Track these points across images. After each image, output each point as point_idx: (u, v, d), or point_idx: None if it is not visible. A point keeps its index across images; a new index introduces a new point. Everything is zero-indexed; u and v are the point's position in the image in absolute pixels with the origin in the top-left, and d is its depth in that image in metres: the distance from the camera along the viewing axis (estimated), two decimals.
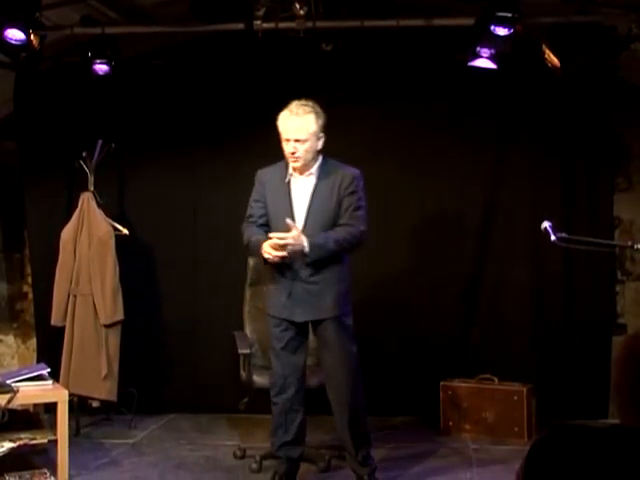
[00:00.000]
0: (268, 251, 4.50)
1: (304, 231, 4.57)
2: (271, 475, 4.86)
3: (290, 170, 4.71)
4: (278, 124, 4.66)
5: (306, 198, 4.68)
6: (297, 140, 4.59)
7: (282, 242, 4.46)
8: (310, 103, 4.66)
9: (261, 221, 4.77)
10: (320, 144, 4.67)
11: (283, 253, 4.48)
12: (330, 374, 4.80)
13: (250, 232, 4.75)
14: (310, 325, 4.79)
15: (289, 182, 4.72)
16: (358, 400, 4.81)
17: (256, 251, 4.66)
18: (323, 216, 4.65)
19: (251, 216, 4.82)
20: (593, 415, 5.85)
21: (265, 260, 4.64)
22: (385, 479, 5.04)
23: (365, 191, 4.77)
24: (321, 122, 4.64)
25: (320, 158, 4.72)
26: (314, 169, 4.70)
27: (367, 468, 4.81)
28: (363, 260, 6.32)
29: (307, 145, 4.61)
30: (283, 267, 4.65)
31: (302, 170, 4.69)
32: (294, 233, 4.47)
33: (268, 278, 4.86)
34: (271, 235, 4.52)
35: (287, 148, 4.62)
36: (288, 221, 4.51)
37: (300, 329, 4.75)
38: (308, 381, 4.91)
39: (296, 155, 4.60)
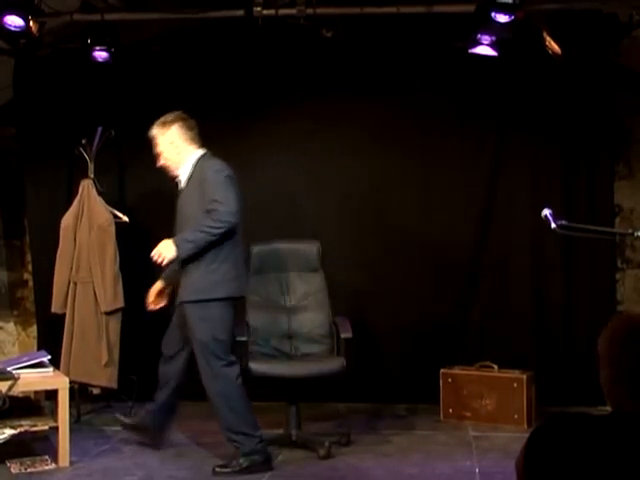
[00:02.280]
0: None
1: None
2: None
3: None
4: None
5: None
6: (157, 153, 5.02)
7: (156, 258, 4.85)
8: (164, 116, 5.03)
9: None
10: (177, 152, 4.99)
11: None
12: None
13: None
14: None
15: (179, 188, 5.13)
16: (215, 390, 4.92)
17: None
18: (189, 216, 4.93)
19: None
20: (592, 402, 5.88)
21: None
22: (385, 466, 5.07)
23: (227, 177, 4.87)
24: (170, 132, 4.97)
25: (189, 161, 4.99)
26: (188, 171, 5.01)
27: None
28: (363, 246, 6.37)
29: (165, 155, 5.01)
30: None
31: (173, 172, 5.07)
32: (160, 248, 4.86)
33: None
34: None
35: None
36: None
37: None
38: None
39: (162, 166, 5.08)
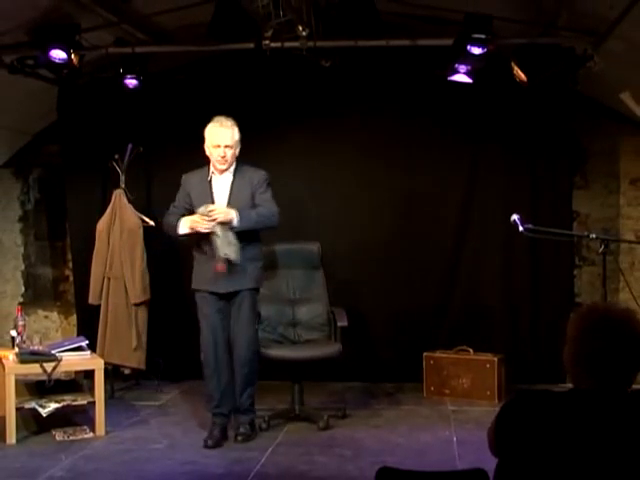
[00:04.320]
0: (196, 223, 4.77)
1: None
2: (209, 429, 4.98)
3: (212, 170, 4.97)
4: (206, 134, 4.94)
5: (226, 191, 4.94)
6: (227, 146, 4.86)
7: (211, 214, 4.71)
8: (230, 118, 4.95)
9: (183, 212, 5.01)
10: (238, 151, 4.96)
11: (211, 224, 4.71)
12: (233, 341, 4.97)
13: (172, 216, 5.01)
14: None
15: (210, 180, 4.98)
16: (254, 364, 4.99)
17: (173, 226, 4.93)
18: (240, 205, 4.86)
19: (175, 207, 5.08)
20: (554, 380, 5.90)
21: (181, 236, 4.91)
22: (376, 436, 5.10)
23: (272, 187, 5.05)
24: (239, 134, 4.93)
25: (235, 162, 4.98)
26: (231, 170, 4.97)
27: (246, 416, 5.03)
28: (357, 245, 6.38)
29: (232, 150, 4.89)
30: (207, 247, 4.87)
31: (223, 170, 4.94)
32: (219, 206, 4.80)
33: (195, 259, 5.06)
34: (199, 210, 4.78)
35: (218, 152, 4.88)
36: (212, 205, 4.81)
37: (222, 299, 4.96)
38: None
39: (225, 158, 4.88)
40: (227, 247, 4.72)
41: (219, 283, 4.90)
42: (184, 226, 4.88)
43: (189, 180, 5.09)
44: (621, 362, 2.07)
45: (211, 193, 4.96)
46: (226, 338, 4.99)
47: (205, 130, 4.95)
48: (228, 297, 4.96)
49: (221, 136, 4.88)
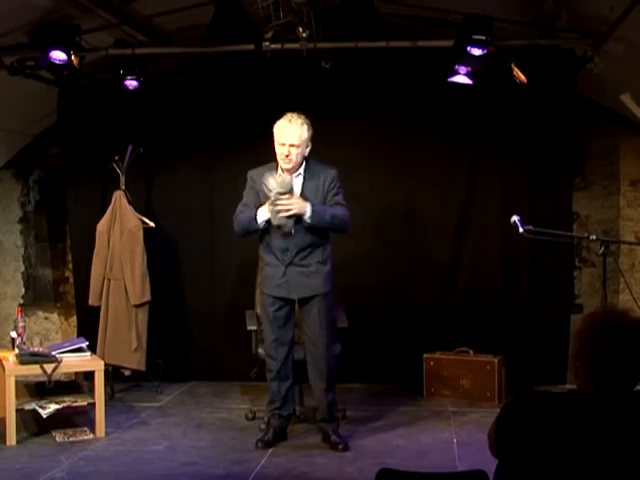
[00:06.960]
0: (276, 205, 4.56)
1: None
2: (264, 431, 4.96)
3: (280, 171, 4.75)
4: (274, 130, 4.75)
5: (297, 193, 4.72)
6: (292, 145, 4.67)
7: (285, 203, 4.55)
8: (302, 115, 4.75)
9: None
10: (307, 151, 4.77)
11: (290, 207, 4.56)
12: (312, 345, 4.86)
13: (246, 213, 4.79)
14: (297, 301, 4.84)
15: None
16: (332, 368, 4.90)
17: (250, 218, 4.71)
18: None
19: (246, 205, 4.83)
20: (554, 382, 5.89)
21: (258, 228, 4.70)
22: (376, 437, 5.10)
23: (343, 186, 4.88)
24: (310, 132, 4.74)
25: (304, 162, 4.79)
26: (301, 170, 4.78)
27: (334, 424, 4.95)
28: (357, 246, 6.37)
29: (299, 150, 4.69)
30: (276, 252, 4.75)
31: (291, 171, 4.74)
32: (296, 197, 4.61)
33: (264, 262, 4.94)
34: (270, 184, 4.58)
35: (282, 151, 4.68)
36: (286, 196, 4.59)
37: (292, 305, 4.84)
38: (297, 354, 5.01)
39: (289, 157, 4.68)
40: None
41: (291, 289, 4.76)
42: (263, 214, 4.67)
43: (257, 178, 4.80)
44: (622, 366, 2.07)
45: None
46: (290, 343, 4.86)
47: (274, 126, 4.75)
48: (300, 303, 4.82)
49: (287, 134, 4.65)
